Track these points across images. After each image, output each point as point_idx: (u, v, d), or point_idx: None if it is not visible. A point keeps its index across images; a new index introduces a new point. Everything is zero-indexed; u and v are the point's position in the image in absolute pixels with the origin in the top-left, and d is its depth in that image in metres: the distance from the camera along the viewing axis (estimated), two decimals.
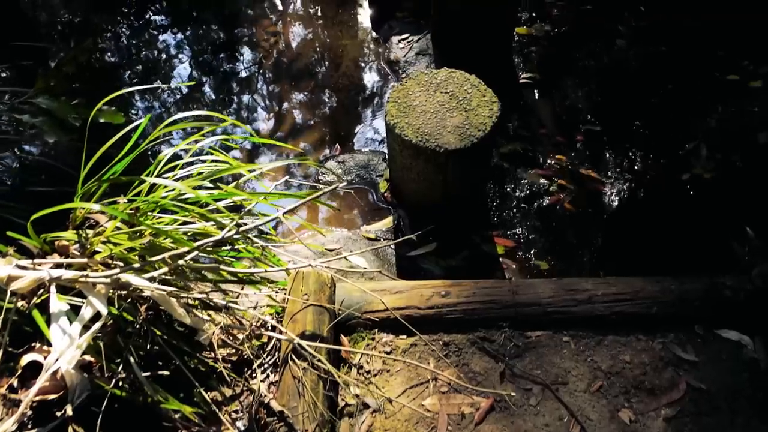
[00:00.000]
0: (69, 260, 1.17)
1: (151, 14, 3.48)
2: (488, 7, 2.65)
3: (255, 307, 1.64)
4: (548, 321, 1.69)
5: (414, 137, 2.01)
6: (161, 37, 3.35)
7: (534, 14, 3.33)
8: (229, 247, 1.45)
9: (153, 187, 1.34)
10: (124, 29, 3.40)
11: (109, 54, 3.25)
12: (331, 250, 2.26)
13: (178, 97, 3.06)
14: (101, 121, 1.77)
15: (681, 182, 2.62)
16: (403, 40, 3.07)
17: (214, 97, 3.04)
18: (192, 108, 2.97)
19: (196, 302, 1.35)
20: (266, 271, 1.37)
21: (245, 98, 3.03)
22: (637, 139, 2.79)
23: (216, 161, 1.47)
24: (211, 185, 1.43)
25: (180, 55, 3.25)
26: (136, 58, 3.23)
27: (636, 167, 2.70)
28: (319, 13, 3.43)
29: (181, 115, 1.46)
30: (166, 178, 1.32)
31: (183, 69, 3.16)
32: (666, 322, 1.68)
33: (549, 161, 2.68)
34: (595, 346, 1.68)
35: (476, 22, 2.72)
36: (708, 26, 3.21)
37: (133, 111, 2.97)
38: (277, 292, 1.66)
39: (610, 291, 1.70)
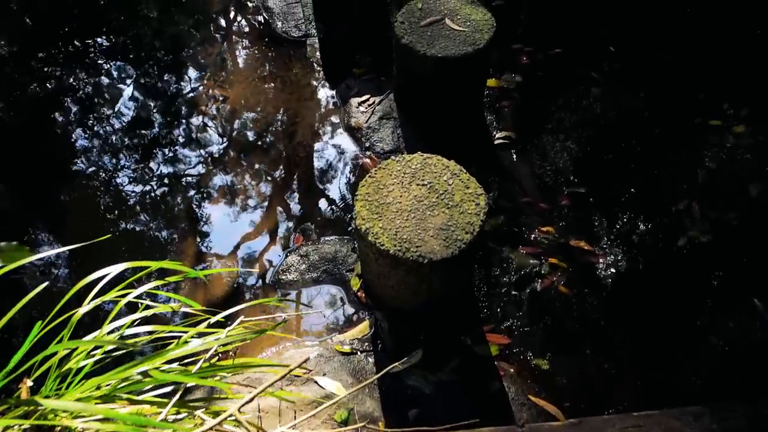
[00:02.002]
0: None
1: (95, 53, 3.05)
2: (461, 70, 2.38)
3: None
4: None
5: (391, 246, 1.69)
6: (100, 88, 2.93)
7: (502, 63, 3.09)
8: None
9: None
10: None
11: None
12: (297, 376, 1.91)
13: (102, 179, 2.65)
14: None
15: (678, 248, 2.41)
16: (364, 102, 2.76)
17: (147, 174, 2.64)
18: (122, 194, 2.56)
19: None
20: None
21: (183, 171, 2.65)
22: (625, 200, 2.57)
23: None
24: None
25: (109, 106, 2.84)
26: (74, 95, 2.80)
27: (628, 234, 2.47)
28: (268, 72, 3.08)
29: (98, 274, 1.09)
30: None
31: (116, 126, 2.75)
32: None
33: (536, 236, 2.41)
34: None
35: (445, 81, 2.44)
36: (682, 65, 3.06)
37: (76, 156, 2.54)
38: None
39: None
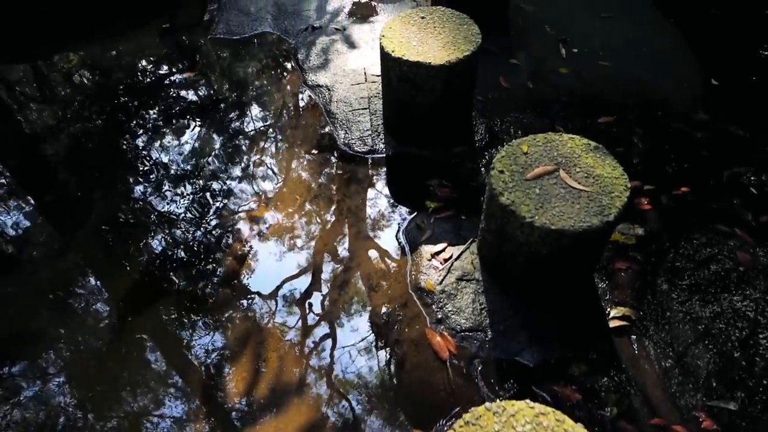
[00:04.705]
0: None
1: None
2: (579, 245, 1.74)
3: None
4: None
5: None
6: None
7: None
8: None
9: None
10: None
11: None
12: None
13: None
14: None
15: None
16: (438, 254, 2.16)
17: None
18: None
19: None
20: None
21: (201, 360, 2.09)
22: None
23: None
24: None
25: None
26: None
27: None
28: (322, 194, 2.55)
29: None
30: None
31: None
32: None
33: None
34: None
35: (555, 255, 1.80)
36: None
37: None
38: None
39: None
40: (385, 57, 2.36)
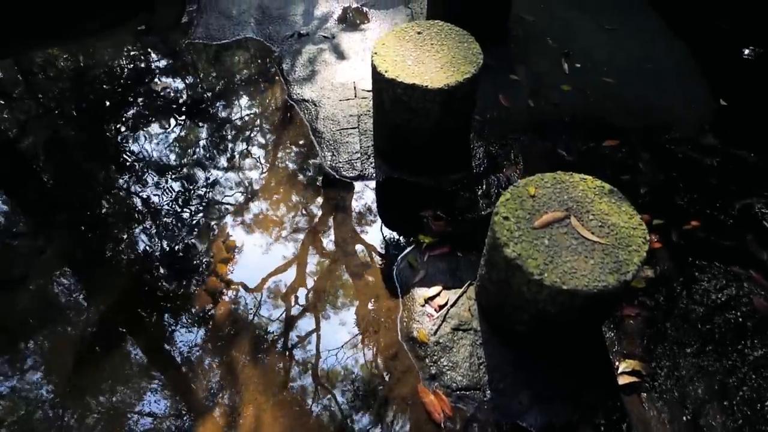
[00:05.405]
0: None
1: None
2: (593, 305, 1.56)
3: None
4: None
5: None
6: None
7: None
8: None
9: None
10: None
11: None
12: None
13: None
14: None
15: None
16: (432, 299, 1.97)
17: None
18: None
19: None
20: None
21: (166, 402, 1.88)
22: None
23: None
24: None
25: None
26: None
27: None
28: (304, 225, 2.34)
29: None
30: None
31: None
32: None
33: None
34: None
35: (565, 314, 1.61)
36: None
37: None
38: None
39: None
40: (378, 77, 2.15)
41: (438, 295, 1.98)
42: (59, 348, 1.94)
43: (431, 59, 2.18)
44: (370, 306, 2.05)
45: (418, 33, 2.31)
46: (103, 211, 2.38)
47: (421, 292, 2.00)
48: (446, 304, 1.94)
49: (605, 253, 1.56)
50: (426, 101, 2.10)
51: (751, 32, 3.44)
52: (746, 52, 2.97)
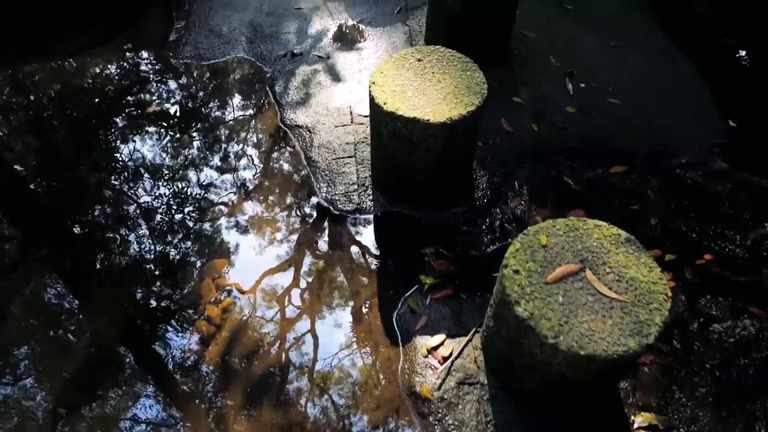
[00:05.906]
0: None
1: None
2: (613, 369, 1.44)
3: None
4: None
5: None
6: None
7: None
8: None
9: None
10: None
11: None
12: None
13: None
14: None
15: None
16: (435, 350, 1.85)
17: None
18: None
19: None
20: None
21: None
22: None
23: None
24: None
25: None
26: None
27: None
28: (296, 265, 2.21)
29: None
30: None
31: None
32: None
33: None
34: None
35: (581, 376, 1.50)
36: None
37: None
38: None
39: None
40: (377, 109, 2.03)
41: (442, 344, 1.86)
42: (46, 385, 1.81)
43: (433, 89, 2.06)
44: (368, 357, 1.93)
45: (419, 60, 2.18)
46: (80, 241, 2.25)
47: (424, 341, 1.88)
48: (450, 355, 1.82)
49: (624, 311, 1.45)
50: (427, 135, 1.98)
51: (759, 49, 3.34)
52: (752, 66, 2.86)
